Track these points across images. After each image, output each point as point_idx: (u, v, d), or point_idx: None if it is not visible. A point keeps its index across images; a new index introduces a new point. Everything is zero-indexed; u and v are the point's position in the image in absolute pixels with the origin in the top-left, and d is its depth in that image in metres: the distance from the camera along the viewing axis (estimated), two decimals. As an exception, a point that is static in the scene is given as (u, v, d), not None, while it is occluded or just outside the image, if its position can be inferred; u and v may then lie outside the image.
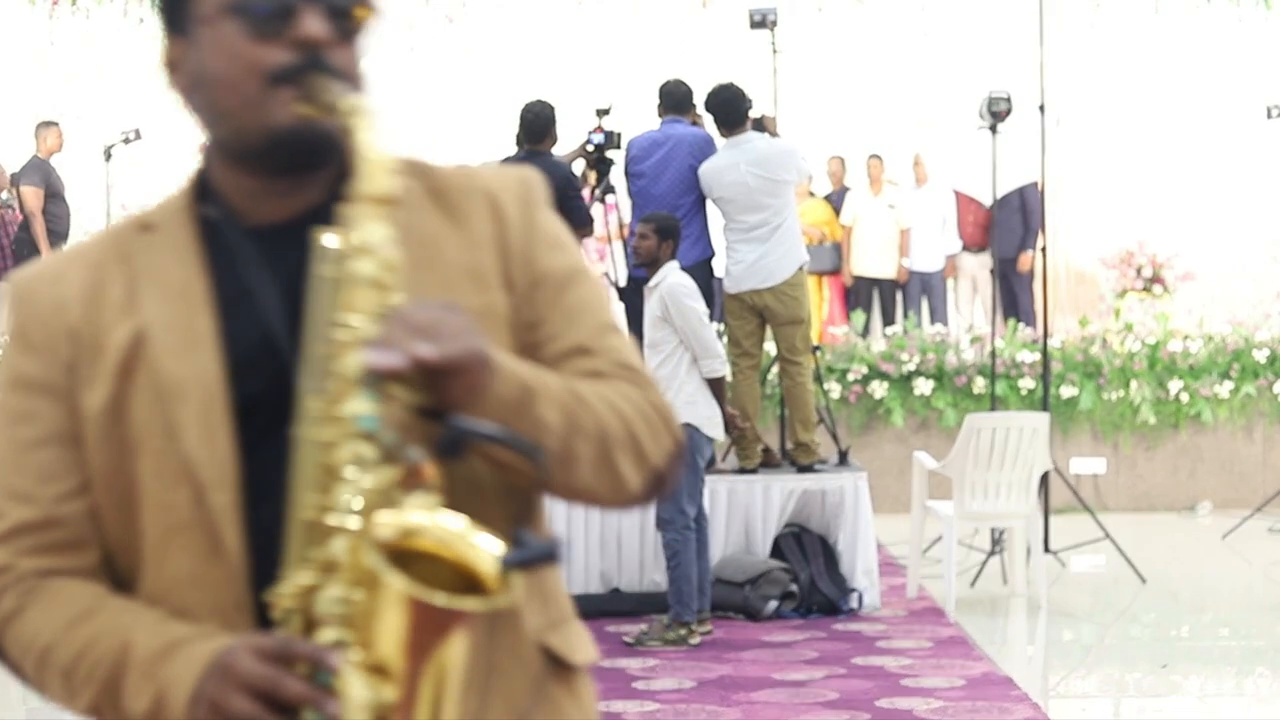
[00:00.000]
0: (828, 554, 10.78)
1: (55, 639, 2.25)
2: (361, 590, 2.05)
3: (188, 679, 2.14)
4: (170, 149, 18.06)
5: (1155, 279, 17.97)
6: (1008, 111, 12.17)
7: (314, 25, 2.22)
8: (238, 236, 2.31)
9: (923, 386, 15.15)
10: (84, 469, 2.30)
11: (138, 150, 16.24)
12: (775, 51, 12.34)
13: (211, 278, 2.30)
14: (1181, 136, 19.13)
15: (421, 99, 17.13)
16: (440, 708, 2.05)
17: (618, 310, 13.01)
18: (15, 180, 16.54)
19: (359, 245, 2.13)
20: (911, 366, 15.19)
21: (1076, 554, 12.64)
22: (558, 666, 2.39)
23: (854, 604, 10.61)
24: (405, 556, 2.05)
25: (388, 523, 2.06)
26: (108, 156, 13.41)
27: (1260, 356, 15.49)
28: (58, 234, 16.74)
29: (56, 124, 16.70)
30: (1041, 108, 12.46)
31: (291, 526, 2.13)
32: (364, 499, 2.08)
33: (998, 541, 11.72)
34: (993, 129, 12.24)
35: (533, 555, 2.08)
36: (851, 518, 10.80)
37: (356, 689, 2.02)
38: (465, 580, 2.07)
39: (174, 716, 2.14)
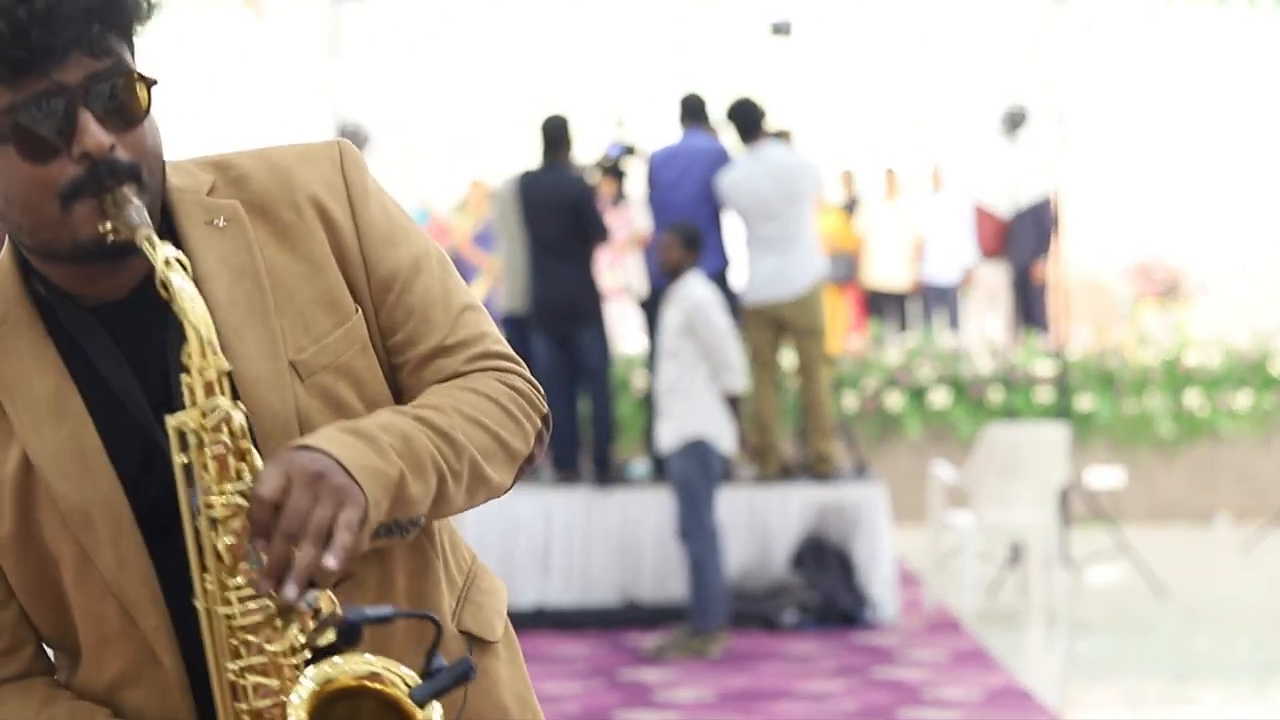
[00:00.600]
0: (845, 566, 10.75)
1: None
2: None
3: None
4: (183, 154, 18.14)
5: (1171, 290, 17.93)
6: (1024, 122, 12.12)
7: (94, 136, 2.12)
8: (78, 320, 2.24)
9: (939, 398, 15.11)
10: (4, 579, 2.26)
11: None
12: (792, 60, 12.31)
13: (75, 379, 2.22)
14: (1199, 146, 19.11)
15: (437, 108, 17.18)
16: None
17: (633, 318, 13.03)
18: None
19: (207, 425, 2.11)
20: (928, 378, 15.16)
21: (1095, 566, 12.61)
22: (482, 644, 2.42)
23: (872, 616, 10.58)
24: (331, 697, 2.12)
25: (306, 680, 2.11)
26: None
27: (1278, 368, 15.46)
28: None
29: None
30: (1059, 118, 12.41)
31: (217, 690, 2.16)
32: (273, 658, 2.14)
33: (1016, 553, 11.69)
34: (1009, 138, 12.19)
35: (443, 684, 2.13)
36: (869, 529, 10.77)
37: None
38: (390, 705, 2.15)
39: None
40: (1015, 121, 12.85)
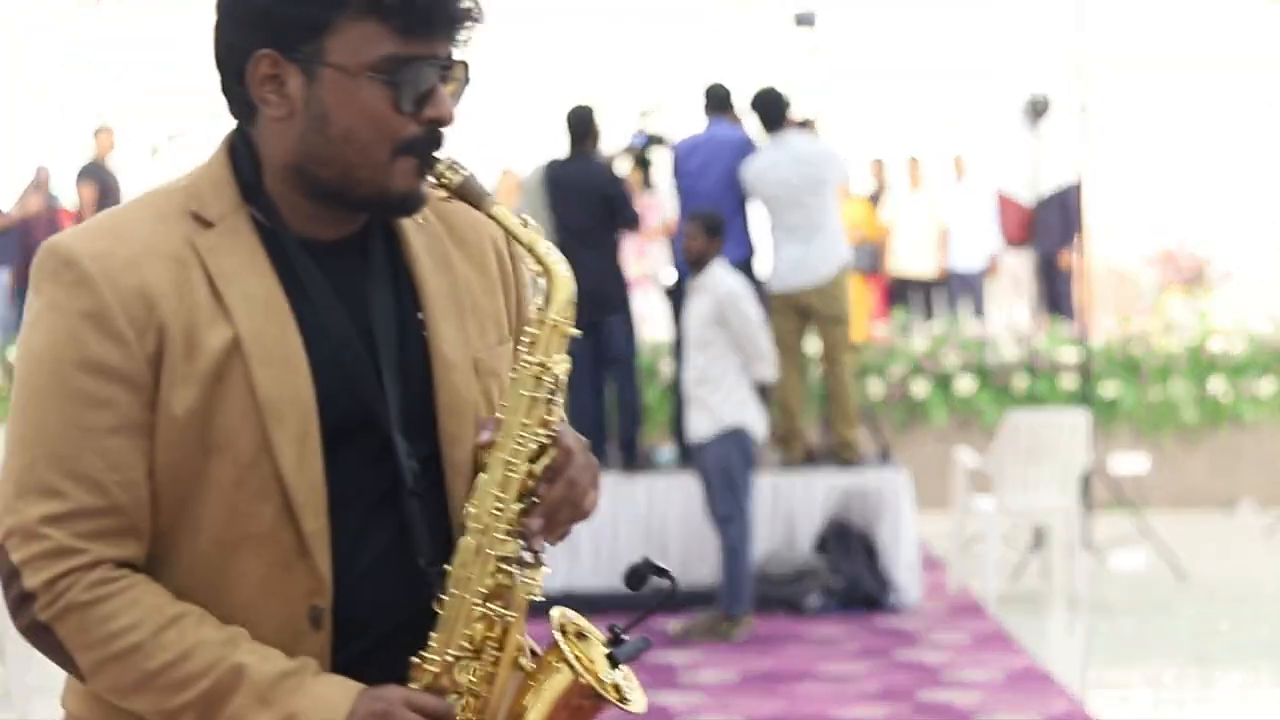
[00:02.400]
0: (869, 550, 10.86)
1: (144, 641, 2.29)
2: (502, 672, 2.41)
3: (332, 712, 2.29)
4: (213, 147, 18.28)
5: (1197, 277, 17.99)
6: (1047, 111, 12.21)
7: (448, 107, 2.36)
8: (295, 249, 2.38)
9: (964, 384, 15.20)
10: (148, 459, 2.32)
11: (184, 148, 16.40)
12: (816, 50, 12.42)
13: (286, 293, 2.36)
14: (1222, 134, 19.15)
15: (466, 98, 17.26)
16: None
17: (663, 309, 13.13)
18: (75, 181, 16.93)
19: (546, 367, 2.38)
20: (953, 365, 15.25)
21: (1117, 551, 12.70)
22: None
23: (895, 599, 10.69)
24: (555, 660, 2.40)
25: (568, 621, 2.42)
26: (154, 154, 13.53)
27: (1301, 355, 15.52)
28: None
29: (110, 128, 17.01)
30: (1082, 107, 12.49)
31: (453, 607, 2.37)
32: (492, 583, 2.39)
33: (1039, 538, 11.78)
34: (1033, 128, 12.28)
35: (634, 652, 2.45)
36: (893, 514, 10.88)
37: None
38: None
39: None
40: (1038, 111, 12.94)
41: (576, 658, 2.37)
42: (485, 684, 2.38)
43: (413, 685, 2.35)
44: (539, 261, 2.38)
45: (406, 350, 2.42)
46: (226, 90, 2.43)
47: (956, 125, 18.79)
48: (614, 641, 2.43)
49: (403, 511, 2.40)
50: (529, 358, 2.38)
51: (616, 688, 2.40)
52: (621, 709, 2.38)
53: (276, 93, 2.35)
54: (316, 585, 2.36)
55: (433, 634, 2.36)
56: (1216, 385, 15.45)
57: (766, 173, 11.11)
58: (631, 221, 11.24)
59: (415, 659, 2.36)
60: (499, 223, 2.39)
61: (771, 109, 11.16)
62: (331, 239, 2.41)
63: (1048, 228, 16.83)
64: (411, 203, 2.38)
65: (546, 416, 2.37)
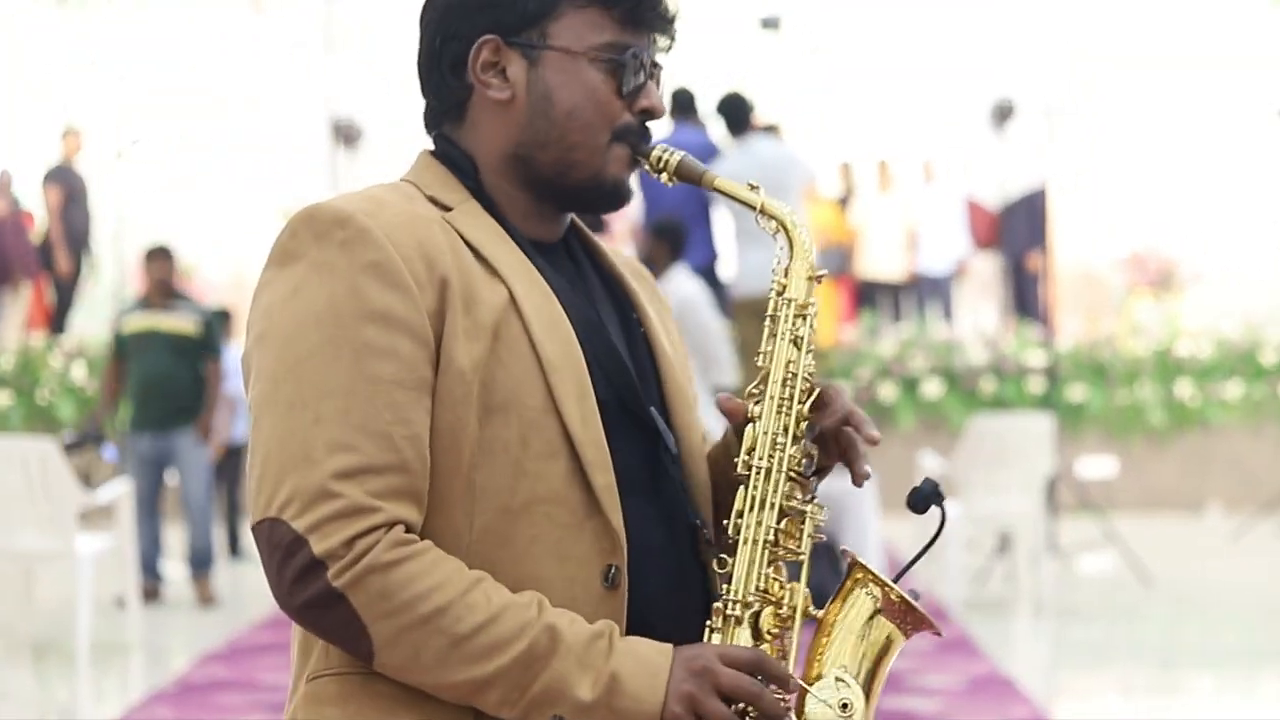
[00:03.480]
0: (833, 555, 10.85)
1: (453, 602, 2.21)
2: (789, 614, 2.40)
3: (654, 675, 2.24)
4: (180, 150, 18.29)
5: (1165, 280, 18.07)
6: (1013, 115, 12.24)
7: (660, 100, 2.47)
8: (525, 245, 2.43)
9: (931, 388, 15.23)
10: (429, 418, 2.28)
11: (148, 152, 16.44)
12: (781, 55, 12.45)
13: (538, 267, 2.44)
14: (1192, 137, 19.23)
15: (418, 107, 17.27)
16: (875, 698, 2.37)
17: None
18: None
19: (801, 308, 2.45)
20: (921, 369, 15.28)
21: (1085, 555, 12.72)
22: None
23: (860, 605, 10.68)
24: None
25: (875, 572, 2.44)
26: (119, 157, 13.53)
27: (1269, 358, 15.58)
28: (76, 235, 17.03)
29: (78, 130, 17.06)
30: (1048, 112, 12.53)
31: (743, 548, 2.38)
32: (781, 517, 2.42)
33: (1004, 543, 11.80)
34: (999, 133, 12.31)
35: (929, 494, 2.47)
36: (857, 519, 10.86)
37: (858, 703, 2.33)
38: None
39: (632, 706, 2.22)
40: (1003, 115, 12.95)
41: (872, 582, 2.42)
42: (783, 629, 2.37)
43: (715, 636, 2.33)
44: (772, 217, 2.47)
45: (633, 344, 2.49)
46: (436, 88, 2.49)
47: (925, 129, 18.84)
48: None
49: (668, 478, 2.44)
50: (785, 300, 2.44)
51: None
52: (931, 622, 2.41)
53: (499, 77, 2.43)
54: (611, 544, 2.34)
55: (726, 585, 2.35)
56: (1184, 388, 15.52)
57: (731, 177, 11.05)
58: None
59: (717, 605, 2.35)
60: (724, 193, 2.50)
61: (737, 113, 11.21)
62: (546, 239, 2.47)
63: (1015, 231, 16.90)
64: (621, 193, 2.47)
65: (809, 359, 2.43)
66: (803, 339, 2.42)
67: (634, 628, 2.32)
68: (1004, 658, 9.47)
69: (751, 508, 2.38)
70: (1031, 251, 16.93)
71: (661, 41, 2.48)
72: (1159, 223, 18.79)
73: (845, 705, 2.32)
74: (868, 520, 10.86)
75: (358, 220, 2.28)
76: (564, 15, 2.41)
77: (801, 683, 2.32)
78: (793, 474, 2.40)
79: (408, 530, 2.23)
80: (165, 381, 11.17)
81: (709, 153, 11.46)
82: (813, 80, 18.61)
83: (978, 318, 17.70)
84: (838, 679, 2.34)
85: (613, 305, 2.51)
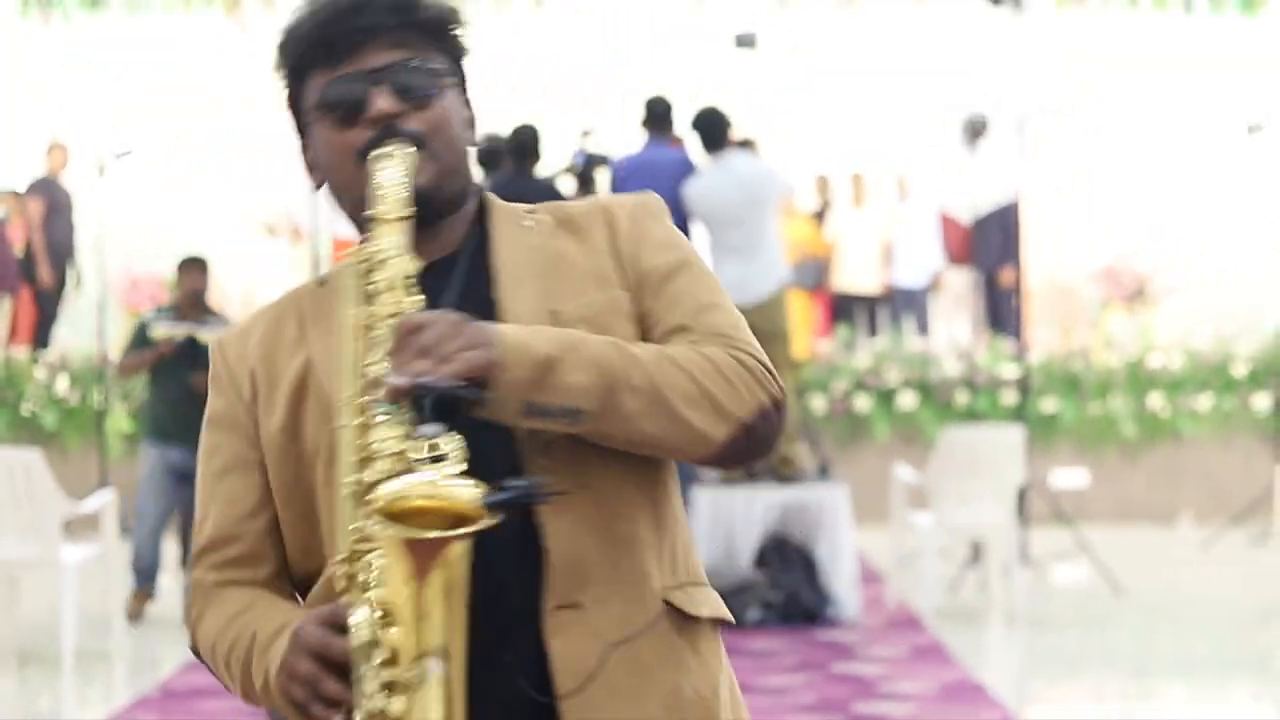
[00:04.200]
0: (808, 564, 11.00)
1: (218, 637, 2.60)
2: (380, 552, 2.36)
3: (280, 654, 2.46)
4: (163, 164, 18.36)
5: (1138, 293, 18.18)
6: (985, 131, 12.37)
7: (381, 103, 2.57)
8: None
9: (906, 400, 15.37)
10: (261, 491, 2.64)
11: (139, 164, 16.52)
12: (756, 72, 12.58)
13: None
14: (1165, 152, 19.34)
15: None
16: (455, 634, 2.33)
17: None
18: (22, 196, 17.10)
19: (378, 257, 2.48)
20: (896, 381, 15.42)
21: (1057, 566, 12.86)
22: (682, 620, 2.61)
23: (834, 613, 10.83)
24: (405, 515, 2.32)
25: (379, 494, 2.33)
26: (101, 172, 13.62)
27: (1240, 371, 15.73)
28: (59, 248, 17.10)
29: (63, 145, 17.15)
30: (1020, 127, 12.67)
31: (340, 504, 2.45)
32: (383, 475, 2.37)
33: (976, 553, 11.94)
34: (971, 148, 12.45)
35: (511, 497, 2.32)
36: (832, 529, 11.02)
37: (364, 633, 2.33)
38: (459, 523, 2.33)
39: (272, 686, 2.47)
40: (975, 130, 13.09)
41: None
42: (385, 567, 2.38)
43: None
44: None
45: None
46: None
47: (899, 144, 18.96)
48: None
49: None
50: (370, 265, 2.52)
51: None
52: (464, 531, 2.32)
53: (313, 168, 2.71)
54: None
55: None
56: (1156, 401, 15.66)
57: (708, 193, 11.25)
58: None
59: (329, 568, 2.53)
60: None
61: (712, 129, 11.30)
62: (426, 260, 2.56)
63: (988, 245, 17.03)
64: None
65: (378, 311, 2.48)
66: (374, 293, 2.49)
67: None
68: (976, 666, 9.61)
69: (346, 454, 2.46)
70: (1005, 265, 17.06)
71: (371, 51, 2.59)
72: (1131, 237, 18.89)
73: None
74: (842, 529, 11.02)
75: (213, 347, 2.74)
76: (304, 92, 2.65)
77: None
78: (369, 420, 2.42)
79: (245, 585, 2.64)
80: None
81: (686, 169, 11.58)
82: (788, 94, 18.73)
83: (952, 330, 17.81)
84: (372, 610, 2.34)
85: (460, 298, 2.59)
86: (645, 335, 2.62)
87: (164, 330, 10.86)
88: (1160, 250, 18.67)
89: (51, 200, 17.00)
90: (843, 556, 10.99)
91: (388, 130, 2.56)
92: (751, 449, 2.59)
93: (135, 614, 10.90)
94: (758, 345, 2.63)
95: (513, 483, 2.34)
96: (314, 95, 2.62)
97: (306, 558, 2.63)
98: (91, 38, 19.56)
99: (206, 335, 10.72)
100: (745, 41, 12.62)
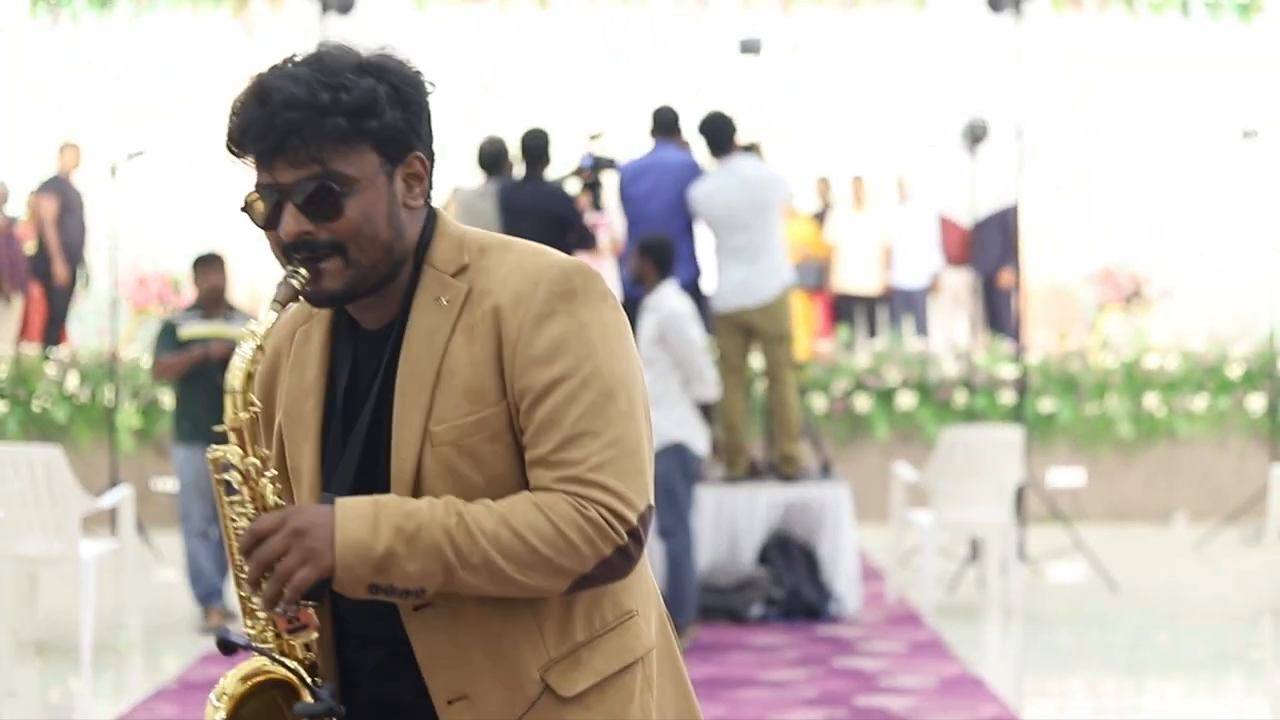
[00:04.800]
0: (810, 562, 11.20)
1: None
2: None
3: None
4: (169, 165, 18.48)
5: (1135, 295, 18.34)
6: (986, 135, 12.53)
7: (286, 226, 2.82)
8: (347, 335, 2.98)
9: (905, 400, 15.56)
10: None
11: (145, 166, 16.64)
12: (761, 77, 12.71)
13: (329, 375, 2.99)
14: (1161, 157, 19.48)
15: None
16: None
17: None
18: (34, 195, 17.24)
19: (232, 459, 2.85)
20: (895, 381, 15.61)
21: (1054, 564, 13.05)
22: (559, 700, 2.88)
23: (835, 609, 11.03)
24: (269, 685, 2.92)
25: (230, 678, 2.93)
26: (113, 173, 13.79)
27: (1234, 372, 15.91)
28: (71, 246, 17.26)
29: (75, 144, 17.30)
30: (1019, 132, 12.83)
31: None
32: (257, 633, 2.92)
33: (975, 550, 12.13)
34: (971, 152, 12.61)
35: (315, 712, 2.79)
36: (833, 527, 11.21)
37: None
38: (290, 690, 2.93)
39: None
40: (976, 135, 13.26)
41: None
42: None
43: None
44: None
45: (376, 429, 2.92)
46: None
47: (900, 147, 19.12)
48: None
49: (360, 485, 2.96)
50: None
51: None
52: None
53: None
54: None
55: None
56: (1152, 401, 15.83)
57: (714, 196, 11.42)
58: (587, 240, 11.59)
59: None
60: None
61: (719, 133, 11.43)
62: (374, 326, 2.93)
63: (987, 247, 17.20)
64: (311, 299, 2.87)
65: (240, 507, 2.84)
66: (218, 490, 2.88)
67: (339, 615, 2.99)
68: (974, 661, 9.79)
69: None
70: (1003, 267, 17.24)
71: (279, 165, 2.83)
72: (1128, 240, 19.05)
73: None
74: (843, 529, 11.21)
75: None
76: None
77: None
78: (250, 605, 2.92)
79: None
80: None
81: (693, 172, 11.74)
82: (789, 97, 18.89)
83: (950, 331, 17.99)
84: None
85: (381, 388, 2.90)
86: (523, 449, 2.84)
87: (193, 330, 10.70)
88: (1156, 253, 18.83)
89: (64, 199, 17.18)
90: (844, 554, 11.18)
91: (299, 244, 2.82)
92: (598, 584, 2.84)
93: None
94: (613, 479, 2.79)
95: (322, 694, 2.82)
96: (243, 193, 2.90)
97: None
98: (99, 39, 19.67)
99: (234, 332, 10.58)
100: (750, 48, 12.76)
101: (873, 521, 13.92)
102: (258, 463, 2.82)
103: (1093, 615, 11.36)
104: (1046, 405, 15.65)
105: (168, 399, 15.79)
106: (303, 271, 2.80)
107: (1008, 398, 15.42)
